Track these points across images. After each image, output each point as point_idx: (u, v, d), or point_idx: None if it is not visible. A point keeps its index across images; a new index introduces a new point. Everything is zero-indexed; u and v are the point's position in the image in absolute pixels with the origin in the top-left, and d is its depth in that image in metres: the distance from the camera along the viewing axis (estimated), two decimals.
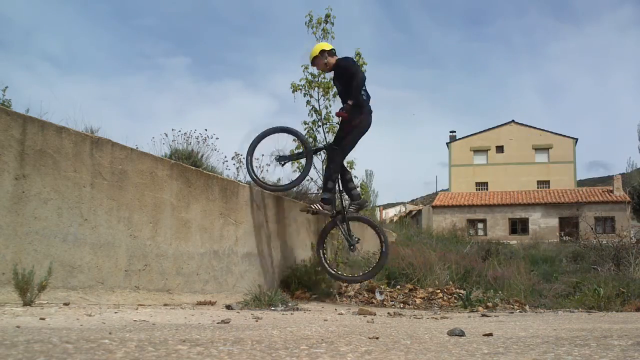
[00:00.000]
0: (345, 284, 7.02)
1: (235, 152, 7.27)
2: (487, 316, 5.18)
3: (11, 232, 3.34)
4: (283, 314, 4.31)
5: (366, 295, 6.98)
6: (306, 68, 6.87)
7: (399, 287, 7.51)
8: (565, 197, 33.89)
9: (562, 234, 29.05)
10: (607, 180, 48.14)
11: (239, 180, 6.20)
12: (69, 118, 4.76)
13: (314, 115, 7.01)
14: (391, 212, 41.39)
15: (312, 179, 7.23)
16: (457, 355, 1.75)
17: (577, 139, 43.53)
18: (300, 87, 7.04)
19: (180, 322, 3.03)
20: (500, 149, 43.79)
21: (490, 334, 2.58)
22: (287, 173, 6.21)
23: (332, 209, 5.75)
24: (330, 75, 6.29)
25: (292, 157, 6.06)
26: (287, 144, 6.20)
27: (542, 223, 32.99)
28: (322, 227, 6.38)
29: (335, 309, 5.42)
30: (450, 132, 46.91)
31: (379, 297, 6.86)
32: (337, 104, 6.43)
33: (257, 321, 3.34)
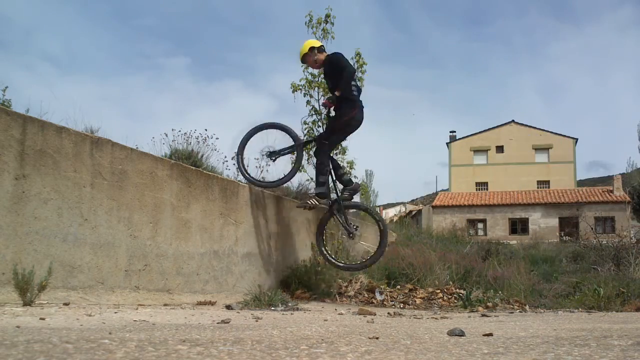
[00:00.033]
0: (345, 284, 7.02)
1: (236, 152, 7.25)
2: (487, 316, 5.18)
3: (11, 232, 3.34)
4: (283, 314, 4.31)
5: (366, 295, 6.98)
6: (306, 68, 6.87)
7: (399, 287, 7.51)
8: (565, 197, 33.90)
9: (562, 234, 29.06)
10: (607, 180, 48.15)
11: (239, 181, 6.20)
12: (69, 118, 4.74)
13: (314, 115, 7.02)
14: (391, 212, 41.38)
15: (311, 179, 7.23)
16: (457, 355, 1.75)
17: (577, 139, 43.55)
18: (301, 87, 7.04)
19: (180, 322, 3.03)
20: (500, 149, 43.80)
21: (490, 334, 2.58)
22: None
23: (328, 201, 5.78)
24: None
25: (282, 152, 6.06)
26: (275, 140, 6.19)
27: (542, 223, 33.00)
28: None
29: (335, 309, 5.42)
30: (450, 132, 46.95)
31: (379, 297, 6.86)
32: None
33: (257, 321, 3.34)
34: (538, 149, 43.21)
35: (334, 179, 5.88)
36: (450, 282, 7.85)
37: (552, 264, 13.06)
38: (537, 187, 40.15)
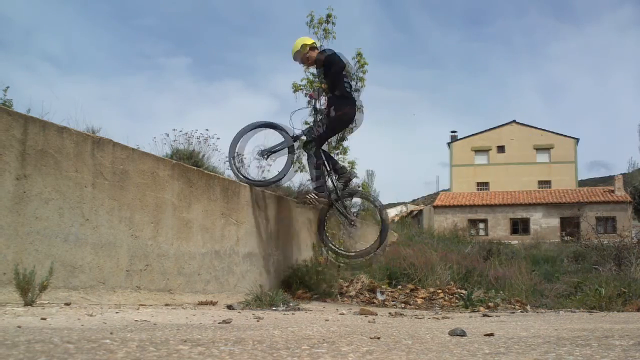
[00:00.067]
0: (346, 284, 7.02)
1: (237, 152, 7.26)
2: (488, 316, 5.17)
3: (12, 232, 3.35)
4: (284, 314, 4.30)
5: (367, 295, 6.98)
6: (307, 68, 6.88)
7: (400, 287, 7.50)
8: (567, 197, 33.87)
9: (564, 234, 29.05)
10: (608, 180, 48.07)
11: (240, 181, 6.20)
12: (70, 118, 4.75)
13: (316, 115, 7.00)
14: (392, 212, 41.30)
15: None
16: (458, 355, 1.75)
17: (578, 139, 43.51)
18: (302, 87, 7.04)
19: (182, 322, 3.03)
20: (501, 149, 43.77)
21: (491, 334, 2.57)
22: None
23: (327, 195, 5.80)
24: None
25: (275, 150, 6.06)
26: (267, 138, 6.21)
27: (544, 223, 32.98)
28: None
29: (337, 309, 5.42)
30: (452, 132, 46.94)
31: (380, 297, 6.86)
32: None
33: (258, 321, 3.34)
34: (539, 149, 43.18)
35: (329, 170, 5.90)
36: (452, 282, 7.85)
37: (554, 264, 13.05)
38: (539, 187, 40.12)
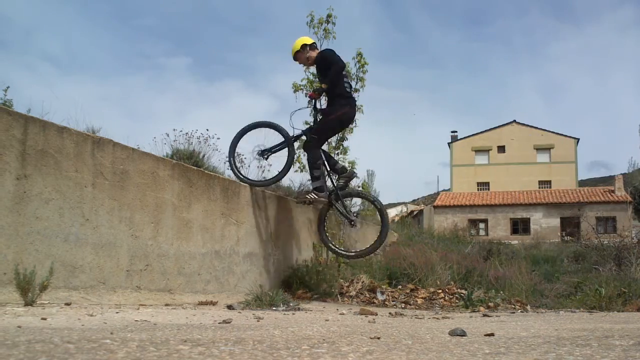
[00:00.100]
0: (346, 284, 7.02)
1: (237, 153, 7.26)
2: (488, 316, 5.17)
3: (12, 232, 3.35)
4: (284, 314, 4.30)
5: (367, 295, 6.98)
6: (307, 68, 6.88)
7: (400, 287, 7.50)
8: (567, 197, 33.88)
9: (564, 234, 29.06)
10: (608, 180, 48.12)
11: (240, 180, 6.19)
12: (70, 118, 4.73)
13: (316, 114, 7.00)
14: (393, 212, 41.32)
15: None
16: (458, 355, 1.75)
17: (578, 139, 43.52)
18: (302, 87, 7.04)
19: (182, 322, 3.03)
20: (501, 149, 43.79)
21: (491, 334, 2.57)
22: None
23: (327, 194, 5.80)
24: None
25: (273, 149, 6.06)
26: (266, 138, 6.21)
27: (544, 223, 32.99)
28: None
29: (337, 309, 5.42)
30: (452, 132, 46.98)
31: (380, 297, 6.86)
32: None
33: (258, 321, 3.34)
34: (539, 149, 43.19)
35: (329, 170, 5.91)
36: (452, 282, 7.84)
37: (554, 264, 13.05)
38: (539, 187, 40.14)
